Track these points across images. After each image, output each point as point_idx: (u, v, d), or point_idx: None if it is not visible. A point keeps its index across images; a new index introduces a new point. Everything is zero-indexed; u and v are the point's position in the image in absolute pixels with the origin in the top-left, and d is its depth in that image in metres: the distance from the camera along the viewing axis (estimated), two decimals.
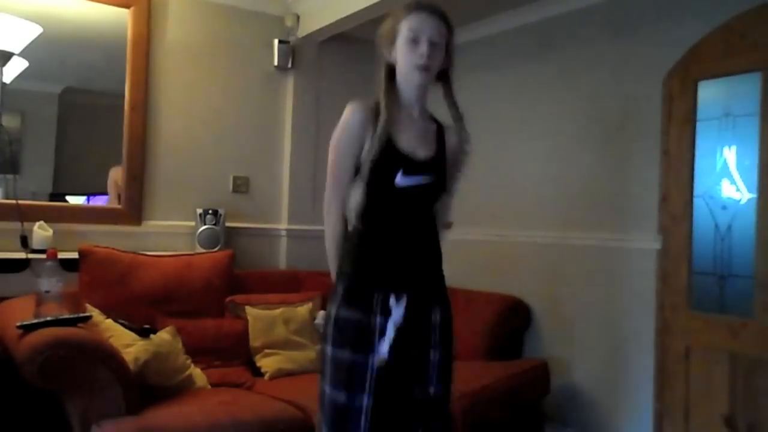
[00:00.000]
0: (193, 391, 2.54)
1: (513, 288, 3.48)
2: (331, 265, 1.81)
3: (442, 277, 1.79)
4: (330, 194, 1.76)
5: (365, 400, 1.63)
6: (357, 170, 1.71)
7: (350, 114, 1.70)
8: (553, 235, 3.41)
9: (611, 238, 3.14)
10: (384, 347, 1.64)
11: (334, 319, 1.70)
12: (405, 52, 1.68)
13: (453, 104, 1.78)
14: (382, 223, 1.70)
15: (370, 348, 1.65)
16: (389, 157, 1.66)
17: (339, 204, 1.74)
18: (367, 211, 1.69)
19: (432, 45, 1.67)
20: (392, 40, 1.71)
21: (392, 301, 1.66)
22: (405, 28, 1.68)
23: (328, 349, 1.68)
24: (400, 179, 1.66)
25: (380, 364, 1.64)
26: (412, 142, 1.71)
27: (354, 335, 1.66)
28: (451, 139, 1.80)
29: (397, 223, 1.70)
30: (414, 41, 1.66)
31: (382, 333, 1.65)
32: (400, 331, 1.65)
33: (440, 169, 1.75)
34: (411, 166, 1.68)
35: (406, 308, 1.67)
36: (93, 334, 2.29)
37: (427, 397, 1.71)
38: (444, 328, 1.75)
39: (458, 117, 1.78)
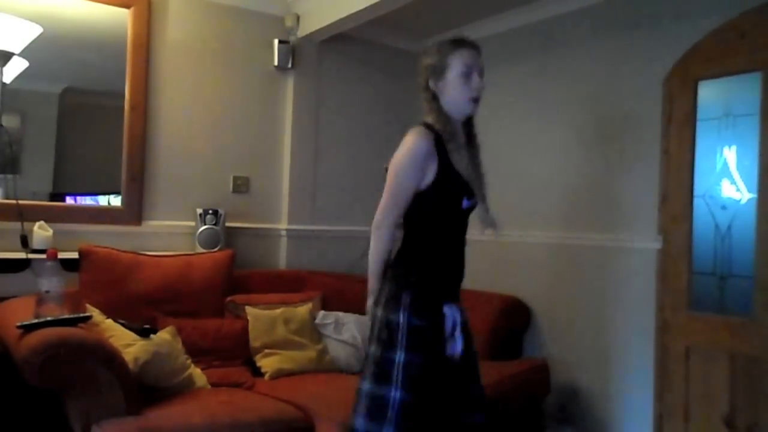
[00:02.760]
0: (193, 392, 2.54)
1: (513, 288, 3.48)
2: (374, 277, 1.93)
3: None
4: (386, 212, 1.88)
5: (437, 399, 1.82)
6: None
7: (417, 142, 1.83)
8: (553, 235, 3.42)
9: (611, 238, 3.15)
10: (458, 347, 1.85)
11: (407, 327, 1.82)
12: (459, 84, 1.85)
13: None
14: (446, 239, 1.91)
15: (439, 351, 1.84)
16: (455, 184, 1.85)
17: (393, 222, 1.87)
18: (434, 230, 1.89)
19: (481, 77, 1.87)
20: (440, 73, 1.87)
21: (448, 309, 1.87)
22: (457, 63, 1.85)
23: (399, 354, 1.81)
24: (465, 203, 1.88)
25: (455, 362, 1.85)
26: (466, 168, 1.89)
27: (425, 341, 1.82)
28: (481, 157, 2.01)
29: (456, 240, 1.93)
30: (467, 75, 1.85)
31: (446, 337, 1.85)
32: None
33: (479, 188, 1.95)
34: (469, 190, 1.89)
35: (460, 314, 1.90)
36: (93, 334, 2.29)
37: (480, 391, 1.95)
38: (468, 330, 1.97)
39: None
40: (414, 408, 1.78)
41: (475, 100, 1.87)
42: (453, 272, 1.93)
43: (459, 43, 1.88)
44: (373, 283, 1.93)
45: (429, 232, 1.89)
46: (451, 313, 1.87)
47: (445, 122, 1.87)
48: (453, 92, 1.86)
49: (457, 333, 1.86)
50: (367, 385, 1.83)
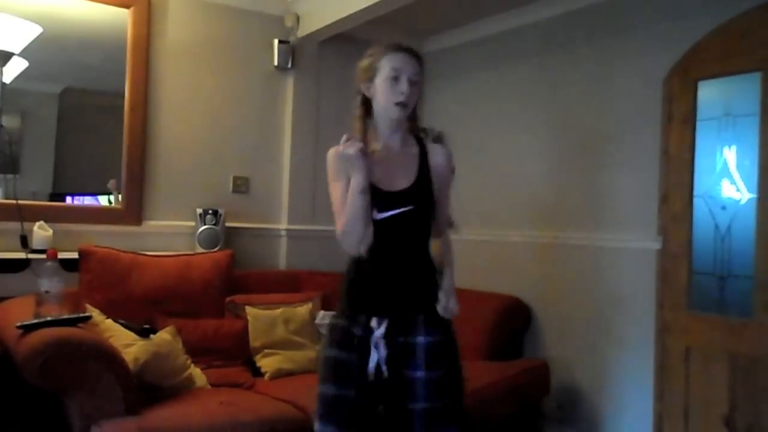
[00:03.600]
0: (193, 391, 2.54)
1: (513, 288, 3.48)
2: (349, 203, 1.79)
3: (432, 299, 1.83)
4: (339, 219, 1.81)
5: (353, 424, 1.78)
6: None
7: (332, 160, 1.82)
8: (553, 235, 3.41)
9: (611, 238, 3.14)
10: (371, 364, 1.78)
11: (323, 358, 1.83)
12: (385, 88, 1.78)
13: (424, 130, 1.92)
14: (370, 253, 1.78)
15: (352, 381, 1.78)
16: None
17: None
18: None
19: (411, 84, 1.78)
20: (371, 77, 1.81)
21: (374, 322, 1.79)
22: (386, 66, 1.78)
23: (319, 386, 1.81)
24: (376, 215, 1.76)
25: (380, 381, 1.78)
26: (390, 175, 1.80)
27: (337, 368, 1.80)
28: (436, 159, 1.87)
29: (383, 253, 1.79)
30: (395, 79, 1.78)
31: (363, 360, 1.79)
32: (387, 348, 1.79)
33: (422, 194, 1.82)
34: (389, 199, 1.78)
35: (387, 330, 1.78)
36: (93, 334, 2.29)
37: (418, 411, 1.80)
38: (432, 349, 1.81)
39: (438, 138, 1.94)
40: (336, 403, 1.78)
41: (403, 105, 1.78)
42: (379, 287, 1.81)
43: (391, 47, 1.82)
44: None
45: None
46: (374, 328, 1.78)
47: (366, 129, 1.83)
48: (379, 95, 1.80)
49: (375, 348, 1.78)
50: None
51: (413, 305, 1.83)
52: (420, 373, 1.80)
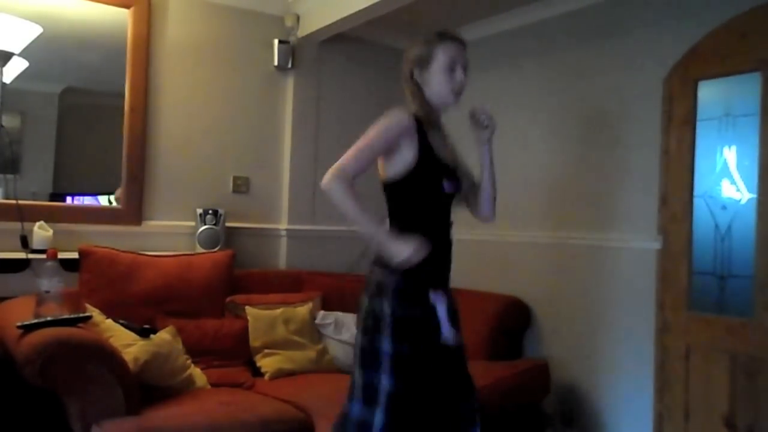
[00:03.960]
0: (193, 391, 2.54)
1: (513, 288, 3.48)
2: (369, 224, 1.81)
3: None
4: (348, 164, 1.81)
5: (428, 388, 1.81)
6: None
7: (398, 116, 1.85)
8: (553, 235, 3.42)
9: (611, 238, 3.15)
10: (448, 332, 1.84)
11: (392, 317, 1.81)
12: (443, 77, 1.88)
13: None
14: (432, 225, 1.88)
15: (429, 339, 1.82)
16: (435, 167, 1.87)
17: (348, 174, 1.80)
18: (417, 215, 1.87)
19: (464, 72, 1.90)
20: (426, 65, 1.89)
21: (435, 296, 1.85)
22: (443, 55, 1.87)
23: (386, 344, 1.79)
24: (447, 186, 1.88)
25: (448, 349, 1.85)
26: (446, 153, 1.93)
27: (413, 331, 1.81)
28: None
29: (441, 226, 1.92)
30: (451, 69, 1.87)
31: (435, 325, 1.83)
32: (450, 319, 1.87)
33: (463, 174, 1.99)
34: (450, 173, 1.91)
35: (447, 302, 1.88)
36: (93, 334, 2.29)
37: (469, 380, 1.95)
38: (458, 318, 1.96)
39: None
40: (405, 397, 1.78)
41: (457, 93, 1.89)
42: (439, 258, 1.89)
43: (445, 36, 1.90)
44: (365, 221, 1.79)
45: (413, 218, 1.87)
46: (438, 300, 1.85)
47: (429, 111, 1.90)
48: (436, 84, 1.88)
49: (444, 320, 1.84)
50: (357, 373, 1.84)
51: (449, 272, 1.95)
52: (461, 342, 1.94)
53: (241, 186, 3.64)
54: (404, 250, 1.75)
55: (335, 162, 1.85)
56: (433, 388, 1.82)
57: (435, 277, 1.88)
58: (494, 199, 2.07)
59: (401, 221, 1.88)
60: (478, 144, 2.03)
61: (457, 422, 1.88)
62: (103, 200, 3.34)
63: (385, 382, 1.78)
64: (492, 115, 2.00)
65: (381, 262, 1.85)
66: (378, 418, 1.77)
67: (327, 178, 1.79)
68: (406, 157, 1.83)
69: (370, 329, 1.83)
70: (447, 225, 1.93)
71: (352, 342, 3.08)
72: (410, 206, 1.88)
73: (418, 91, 1.91)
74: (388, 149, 1.84)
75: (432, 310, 1.83)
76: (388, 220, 1.92)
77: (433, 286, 1.86)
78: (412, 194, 1.87)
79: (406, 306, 1.81)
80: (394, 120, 1.84)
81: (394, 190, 1.89)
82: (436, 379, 1.83)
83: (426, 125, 1.87)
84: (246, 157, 3.67)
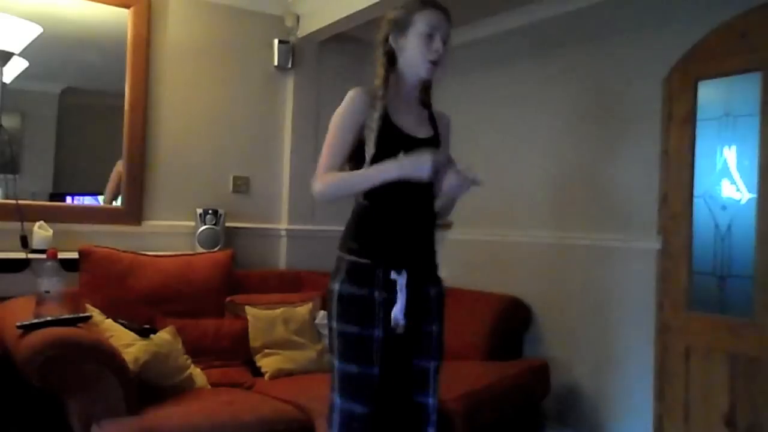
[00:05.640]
0: (193, 391, 2.54)
1: (513, 288, 3.48)
2: (362, 176, 1.77)
3: (435, 254, 1.89)
4: (324, 164, 1.80)
5: (374, 371, 1.74)
6: (353, 154, 1.80)
7: (351, 97, 1.79)
8: (553, 235, 3.41)
9: (611, 238, 3.14)
10: (399, 315, 1.74)
11: (338, 295, 1.77)
12: (418, 44, 1.77)
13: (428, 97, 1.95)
14: (386, 200, 1.77)
15: (375, 322, 1.74)
16: (392, 137, 1.76)
17: (330, 171, 1.77)
18: (378, 192, 1.76)
19: (444, 43, 1.78)
20: (403, 30, 1.79)
21: (393, 275, 1.75)
22: (421, 22, 1.77)
23: (334, 324, 1.77)
24: (403, 157, 1.72)
25: (399, 330, 1.75)
26: (412, 124, 1.82)
27: (359, 310, 1.75)
28: (443, 124, 1.95)
29: (400, 201, 1.78)
30: (429, 36, 1.77)
31: (386, 306, 1.74)
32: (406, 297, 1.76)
33: (441, 147, 1.88)
34: (412, 144, 1.76)
35: (407, 283, 1.76)
36: (93, 334, 2.29)
37: (426, 370, 1.83)
38: (439, 303, 1.88)
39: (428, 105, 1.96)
40: (353, 378, 1.74)
41: (434, 63, 1.78)
42: (403, 238, 1.79)
43: (428, 3, 1.81)
44: (369, 175, 1.74)
45: (373, 195, 1.77)
46: (399, 281, 1.75)
47: (395, 81, 1.81)
48: (412, 51, 1.78)
49: (399, 301, 1.74)
50: (330, 358, 1.82)
51: (427, 257, 1.85)
52: (435, 327, 1.85)
53: (241, 186, 3.64)
54: (423, 164, 1.66)
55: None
56: (380, 371, 1.75)
57: (397, 258, 1.77)
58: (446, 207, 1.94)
59: (362, 196, 1.81)
60: (453, 193, 1.83)
61: (404, 413, 1.83)
62: (103, 200, 3.34)
63: (336, 363, 1.77)
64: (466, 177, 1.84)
65: (341, 245, 1.84)
66: (336, 400, 1.77)
67: (313, 189, 1.78)
68: (366, 129, 1.77)
69: (329, 311, 1.82)
70: (416, 205, 1.81)
71: None
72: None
73: (389, 57, 1.82)
74: (357, 133, 1.78)
75: (382, 291, 1.75)
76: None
77: (395, 267, 1.76)
78: (369, 163, 1.76)
79: (353, 285, 1.76)
80: (345, 103, 1.79)
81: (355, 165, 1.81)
82: (381, 361, 1.75)
83: (388, 96, 1.78)
84: (246, 157, 3.67)
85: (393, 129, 1.78)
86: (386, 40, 1.82)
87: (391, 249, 1.78)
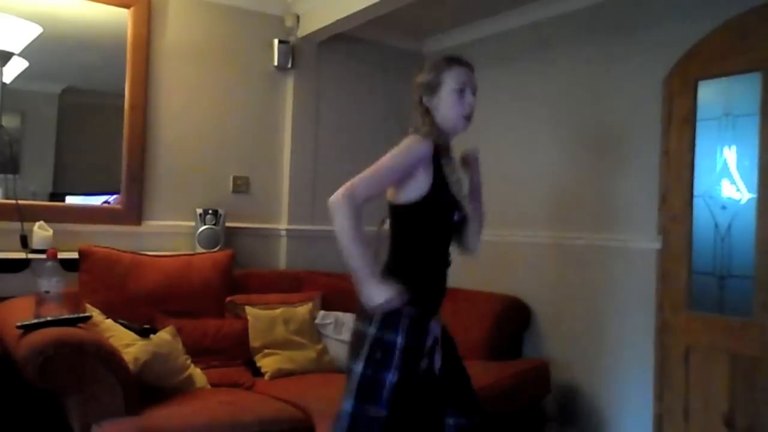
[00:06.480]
0: (193, 392, 2.54)
1: (513, 288, 3.48)
2: (359, 258, 1.72)
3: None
4: (366, 187, 1.78)
5: (417, 413, 1.84)
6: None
7: (420, 146, 1.82)
8: (553, 235, 3.42)
9: (611, 238, 3.15)
10: (437, 363, 1.87)
11: (403, 347, 1.78)
12: (451, 102, 1.87)
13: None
14: (435, 254, 1.89)
15: (417, 368, 1.83)
16: (447, 198, 1.86)
17: (364, 201, 1.77)
18: (426, 244, 1.87)
19: (473, 95, 1.90)
20: (434, 90, 1.88)
21: (434, 325, 1.88)
22: (451, 79, 1.87)
23: (392, 374, 1.76)
24: (456, 217, 1.89)
25: (435, 375, 1.87)
26: (455, 184, 1.92)
27: (413, 359, 1.81)
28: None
29: (443, 255, 1.92)
30: (461, 92, 1.87)
31: (430, 354, 1.87)
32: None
33: (466, 205, 1.97)
34: (459, 205, 1.90)
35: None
36: (93, 334, 2.29)
37: (468, 395, 1.95)
38: (450, 339, 1.99)
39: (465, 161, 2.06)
40: (395, 424, 1.76)
41: (468, 118, 1.89)
42: (440, 288, 1.92)
43: (454, 60, 1.91)
44: (364, 267, 1.72)
45: (421, 246, 1.87)
46: (434, 329, 1.87)
47: (439, 137, 1.88)
48: (446, 109, 1.87)
49: (437, 349, 1.88)
50: (349, 405, 1.76)
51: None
52: (456, 358, 1.97)
53: (241, 186, 3.64)
54: (383, 295, 1.69)
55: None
56: (420, 413, 1.85)
57: (434, 307, 1.89)
58: (479, 233, 2.04)
59: (406, 246, 1.87)
60: (471, 184, 2.02)
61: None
62: (102, 200, 3.34)
63: (382, 413, 1.75)
64: (477, 156, 2.02)
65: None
66: None
67: (337, 196, 1.75)
68: (421, 185, 1.81)
69: (378, 361, 1.77)
70: (447, 255, 1.93)
71: None
72: (417, 233, 1.86)
73: (428, 115, 1.89)
74: (404, 177, 1.82)
75: (425, 340, 1.85)
76: (388, 234, 1.89)
77: (432, 315, 1.87)
78: (421, 222, 1.85)
79: (413, 336, 1.80)
80: (414, 149, 1.81)
81: (402, 214, 1.87)
82: (422, 404, 1.85)
83: (440, 152, 1.86)
84: (246, 157, 3.67)
85: (446, 188, 1.86)
86: (421, 101, 1.91)
87: (435, 298, 1.91)
